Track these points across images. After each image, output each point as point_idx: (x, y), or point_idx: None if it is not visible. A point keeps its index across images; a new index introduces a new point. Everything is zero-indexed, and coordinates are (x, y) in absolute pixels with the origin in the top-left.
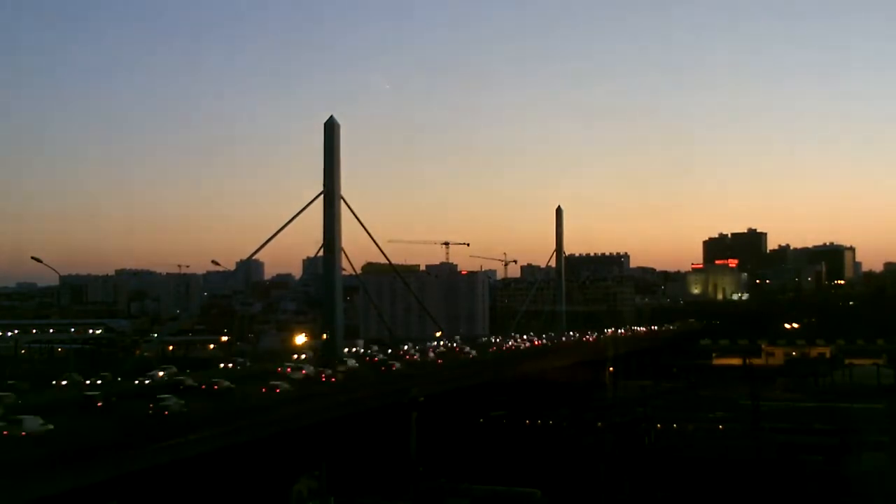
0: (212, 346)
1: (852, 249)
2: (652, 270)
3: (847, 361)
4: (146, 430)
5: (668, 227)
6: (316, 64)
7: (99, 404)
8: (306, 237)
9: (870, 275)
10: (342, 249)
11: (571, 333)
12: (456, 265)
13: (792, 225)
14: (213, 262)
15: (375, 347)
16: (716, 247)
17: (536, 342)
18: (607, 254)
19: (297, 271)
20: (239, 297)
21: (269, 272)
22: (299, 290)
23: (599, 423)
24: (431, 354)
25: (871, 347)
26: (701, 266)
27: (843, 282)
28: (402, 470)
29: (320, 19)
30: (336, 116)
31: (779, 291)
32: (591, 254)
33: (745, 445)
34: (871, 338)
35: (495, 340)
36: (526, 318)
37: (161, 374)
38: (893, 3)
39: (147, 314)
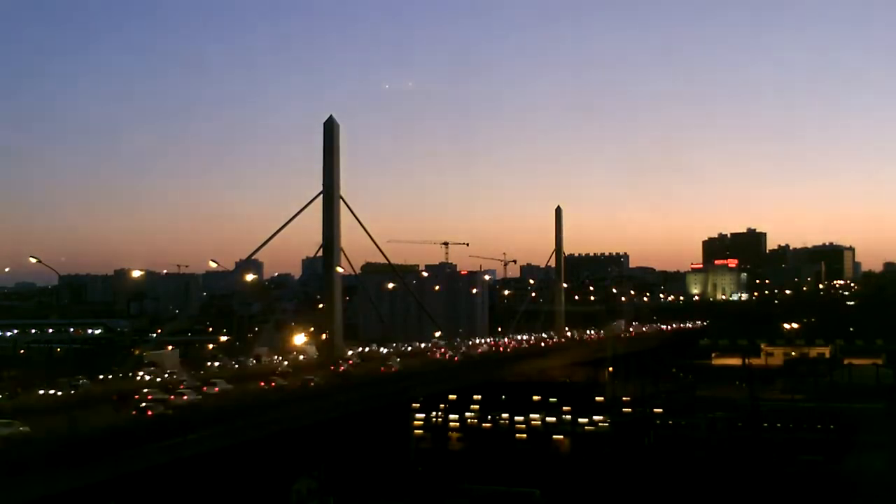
0: (211, 345)
1: (852, 249)
2: (652, 270)
3: (846, 361)
4: None
5: (667, 227)
6: (316, 64)
7: None
8: (306, 237)
9: (869, 275)
10: (341, 249)
11: (570, 333)
12: (455, 265)
13: (792, 225)
14: (212, 262)
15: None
16: (715, 247)
17: (533, 343)
18: (607, 254)
19: (296, 271)
20: (238, 297)
21: (269, 272)
22: (298, 290)
23: (599, 423)
24: None
25: (870, 347)
26: (700, 266)
27: (842, 282)
28: (401, 470)
29: (320, 19)
30: (336, 116)
31: (778, 291)
32: (591, 254)
33: (745, 445)
34: (870, 338)
35: (485, 342)
36: (525, 317)
37: None
38: (892, 4)
39: (146, 314)
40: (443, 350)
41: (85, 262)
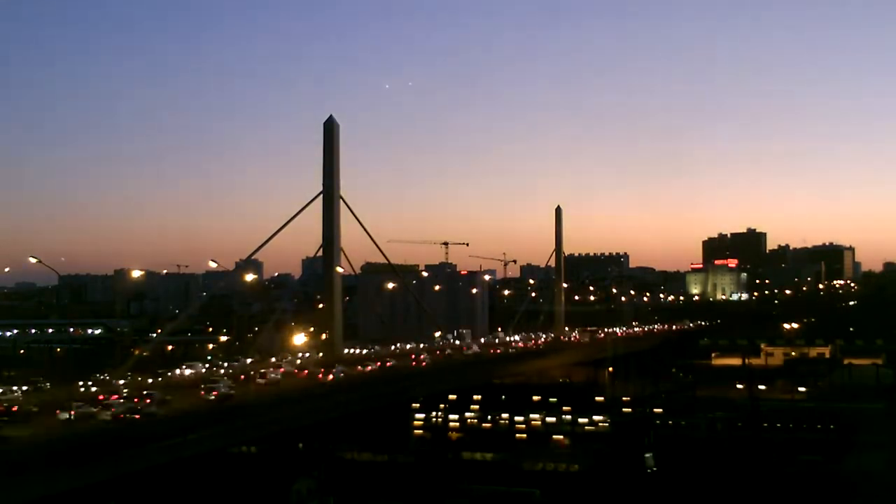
0: (211, 345)
1: (852, 249)
2: (652, 270)
3: (846, 361)
4: None
5: (667, 227)
6: (316, 64)
7: None
8: (306, 237)
9: (869, 275)
10: (341, 249)
11: (572, 335)
12: (455, 265)
13: (792, 225)
14: (212, 262)
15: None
16: (715, 247)
17: (533, 343)
18: (607, 254)
19: (296, 271)
20: (238, 297)
21: (269, 272)
22: (298, 290)
23: (599, 423)
24: None
25: (870, 347)
26: (700, 266)
27: (842, 282)
28: (401, 470)
29: (320, 19)
30: (336, 116)
31: (778, 291)
32: (591, 254)
33: (745, 445)
34: (870, 338)
35: (485, 342)
36: (525, 317)
37: None
38: (892, 5)
39: (146, 314)
40: (465, 347)
41: (85, 262)
